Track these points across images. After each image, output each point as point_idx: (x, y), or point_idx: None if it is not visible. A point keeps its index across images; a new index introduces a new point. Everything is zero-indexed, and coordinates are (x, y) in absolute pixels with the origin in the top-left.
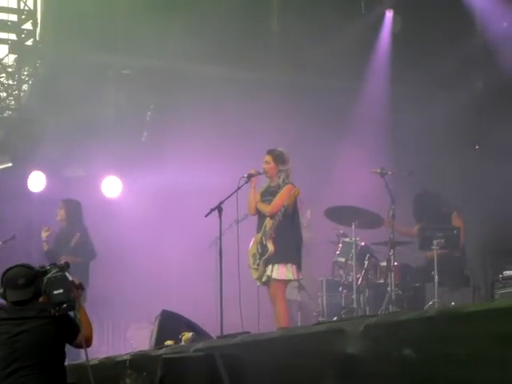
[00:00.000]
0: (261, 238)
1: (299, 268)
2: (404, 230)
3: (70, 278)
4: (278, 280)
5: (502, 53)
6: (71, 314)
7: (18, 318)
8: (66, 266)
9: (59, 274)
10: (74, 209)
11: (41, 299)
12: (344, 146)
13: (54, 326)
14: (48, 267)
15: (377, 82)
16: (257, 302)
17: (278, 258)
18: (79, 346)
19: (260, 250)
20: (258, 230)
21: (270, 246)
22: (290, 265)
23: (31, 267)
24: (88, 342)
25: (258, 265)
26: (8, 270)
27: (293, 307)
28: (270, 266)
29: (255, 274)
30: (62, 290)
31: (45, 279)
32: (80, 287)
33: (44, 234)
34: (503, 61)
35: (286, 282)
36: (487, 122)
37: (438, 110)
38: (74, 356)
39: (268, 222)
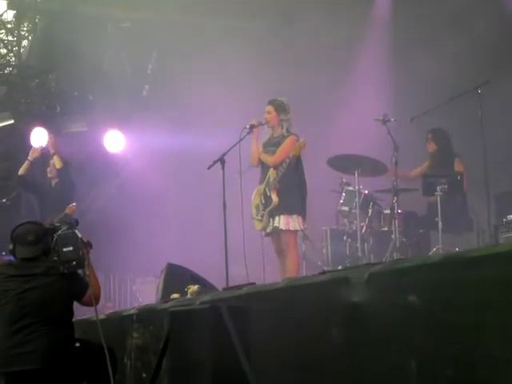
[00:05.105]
0: (264, 189)
1: (304, 219)
2: (403, 174)
3: (80, 236)
4: (287, 230)
5: None
6: (80, 271)
7: (27, 275)
8: (75, 224)
9: (69, 231)
10: (63, 168)
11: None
12: (346, 94)
13: (63, 283)
14: (57, 224)
15: (378, 29)
16: (261, 253)
17: (283, 209)
18: (87, 304)
19: (264, 201)
20: (261, 181)
21: (275, 198)
22: (295, 216)
23: (41, 224)
24: (96, 300)
25: (262, 216)
26: (18, 227)
27: None
28: (276, 218)
29: (259, 226)
30: (71, 248)
31: (55, 236)
32: (89, 245)
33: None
34: (506, 5)
35: (295, 232)
36: (489, 65)
37: (440, 55)
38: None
39: (272, 173)
